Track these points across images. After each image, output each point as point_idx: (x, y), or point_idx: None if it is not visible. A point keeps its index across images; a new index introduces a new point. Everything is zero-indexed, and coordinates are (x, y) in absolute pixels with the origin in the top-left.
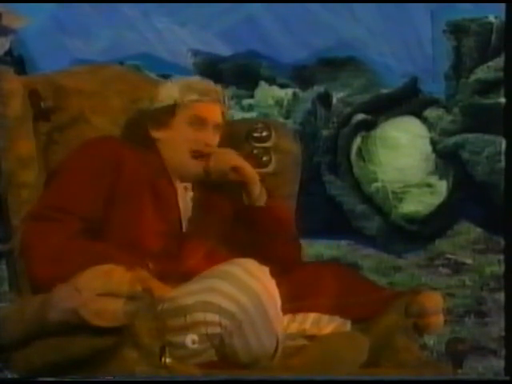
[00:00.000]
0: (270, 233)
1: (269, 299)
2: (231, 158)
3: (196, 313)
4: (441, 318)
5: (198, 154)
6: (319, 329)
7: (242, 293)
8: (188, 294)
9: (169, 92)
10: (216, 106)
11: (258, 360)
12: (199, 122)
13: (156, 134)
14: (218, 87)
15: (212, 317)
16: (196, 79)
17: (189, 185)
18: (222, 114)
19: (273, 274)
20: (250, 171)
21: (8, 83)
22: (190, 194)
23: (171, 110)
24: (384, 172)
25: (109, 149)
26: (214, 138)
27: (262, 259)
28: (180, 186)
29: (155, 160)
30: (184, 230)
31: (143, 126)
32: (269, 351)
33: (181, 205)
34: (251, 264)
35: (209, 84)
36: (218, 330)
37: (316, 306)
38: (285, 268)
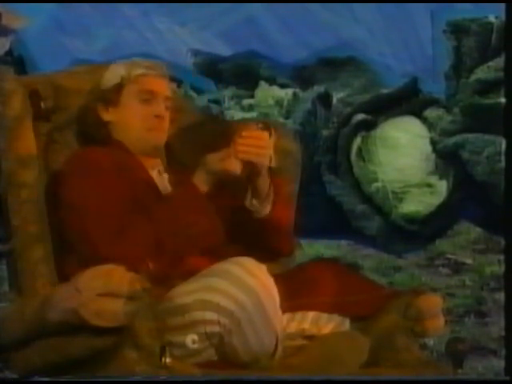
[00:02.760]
0: (268, 242)
1: (267, 297)
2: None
3: (195, 312)
4: (440, 321)
5: (152, 127)
6: (318, 328)
7: (240, 291)
8: (186, 292)
9: (115, 71)
10: (163, 80)
11: (258, 358)
12: (148, 96)
13: (106, 116)
14: (162, 63)
15: (211, 315)
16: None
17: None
18: (170, 88)
19: (271, 272)
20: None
21: (8, 83)
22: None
23: (118, 88)
24: (384, 172)
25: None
26: (166, 111)
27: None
28: (154, 173)
29: (124, 155)
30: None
31: (93, 110)
32: (268, 349)
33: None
34: (249, 262)
35: (153, 60)
36: (216, 328)
37: (315, 305)
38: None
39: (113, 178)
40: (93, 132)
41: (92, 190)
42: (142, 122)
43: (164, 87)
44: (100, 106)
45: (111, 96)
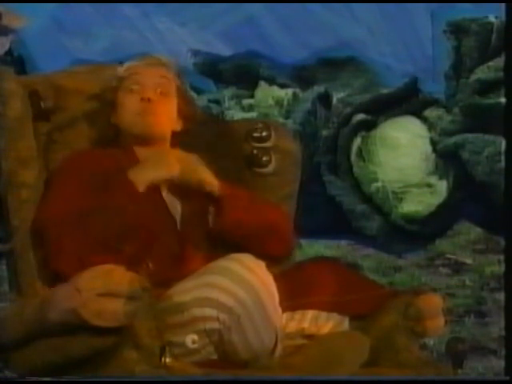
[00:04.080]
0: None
1: (266, 293)
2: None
3: (194, 308)
4: (440, 321)
5: (140, 111)
6: (317, 327)
7: (239, 287)
8: (185, 290)
9: (115, 73)
10: (154, 69)
11: (258, 356)
12: (135, 85)
13: (113, 118)
14: (164, 57)
15: (210, 312)
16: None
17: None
18: (171, 75)
19: (270, 271)
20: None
21: (8, 83)
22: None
23: (116, 87)
24: (384, 172)
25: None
26: (159, 95)
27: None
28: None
29: (123, 158)
30: (179, 227)
31: (102, 115)
32: (268, 347)
33: (167, 200)
34: (248, 258)
35: (151, 55)
36: (216, 325)
37: (314, 304)
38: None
39: (87, 185)
40: (103, 136)
41: (62, 196)
42: (130, 109)
43: (152, 73)
44: (107, 109)
45: (112, 96)
